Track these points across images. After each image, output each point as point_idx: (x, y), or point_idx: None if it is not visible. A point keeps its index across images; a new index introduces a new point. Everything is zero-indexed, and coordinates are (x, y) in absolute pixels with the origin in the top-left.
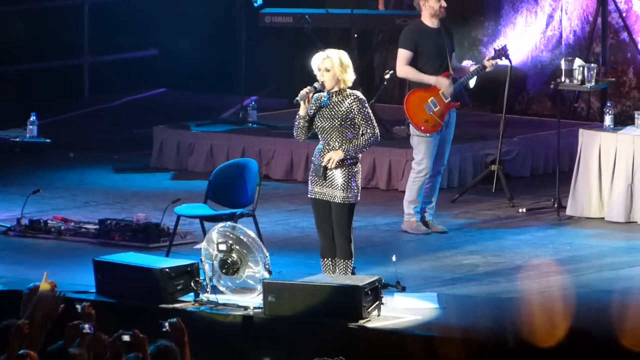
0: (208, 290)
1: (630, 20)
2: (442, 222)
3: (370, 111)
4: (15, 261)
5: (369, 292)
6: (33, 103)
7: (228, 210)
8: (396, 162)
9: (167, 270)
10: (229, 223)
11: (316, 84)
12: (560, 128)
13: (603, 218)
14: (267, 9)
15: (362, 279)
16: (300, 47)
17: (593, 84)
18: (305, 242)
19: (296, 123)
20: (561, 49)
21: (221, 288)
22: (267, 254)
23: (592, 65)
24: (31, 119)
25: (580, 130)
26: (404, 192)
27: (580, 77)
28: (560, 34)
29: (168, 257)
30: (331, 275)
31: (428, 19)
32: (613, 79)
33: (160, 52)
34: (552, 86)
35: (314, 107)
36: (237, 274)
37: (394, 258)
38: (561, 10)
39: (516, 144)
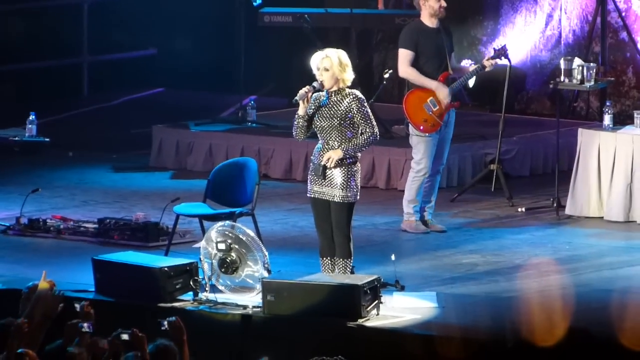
0: (207, 289)
1: (630, 20)
2: (442, 221)
3: (369, 110)
4: (14, 260)
5: (368, 291)
6: (32, 102)
7: (227, 210)
8: (395, 162)
9: (166, 269)
10: (228, 222)
11: (315, 84)
12: (560, 127)
13: (602, 217)
14: (266, 8)
15: (361, 278)
16: (300, 46)
17: (592, 83)
18: (305, 241)
19: (295, 122)
20: (560, 48)
21: (220, 287)
22: (266, 253)
23: (592, 64)
24: (30, 118)
25: (580, 130)
26: (403, 191)
27: (579, 77)
28: (560, 33)
29: (167, 256)
30: (330, 275)
31: (427, 19)
32: (612, 79)
33: (159, 51)
34: (551, 85)
35: (313, 107)
36: (236, 273)
37: (393, 257)
38: (560, 10)
39: (515, 144)
